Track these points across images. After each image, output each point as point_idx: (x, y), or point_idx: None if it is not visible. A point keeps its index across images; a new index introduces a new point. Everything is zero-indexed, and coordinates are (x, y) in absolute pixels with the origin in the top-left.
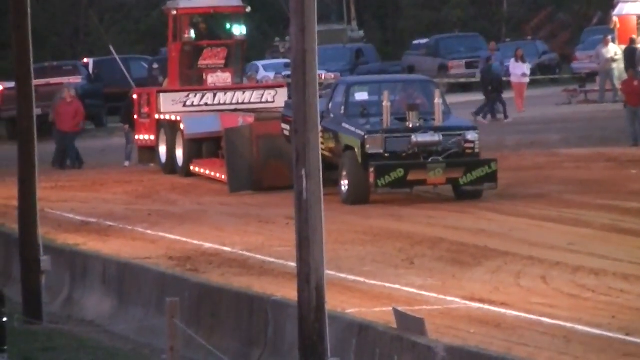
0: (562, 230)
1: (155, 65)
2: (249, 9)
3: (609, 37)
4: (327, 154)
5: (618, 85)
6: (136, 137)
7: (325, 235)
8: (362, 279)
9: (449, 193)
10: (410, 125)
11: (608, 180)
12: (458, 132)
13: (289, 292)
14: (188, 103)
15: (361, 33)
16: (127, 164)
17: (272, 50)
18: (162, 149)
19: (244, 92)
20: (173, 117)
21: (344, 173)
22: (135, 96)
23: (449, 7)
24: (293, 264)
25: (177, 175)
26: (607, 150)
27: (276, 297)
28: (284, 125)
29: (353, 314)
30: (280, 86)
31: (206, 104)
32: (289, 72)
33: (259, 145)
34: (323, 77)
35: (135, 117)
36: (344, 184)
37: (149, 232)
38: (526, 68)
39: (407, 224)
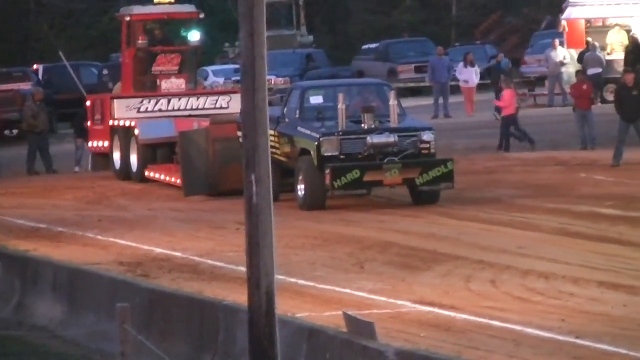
0: (512, 234)
1: (105, 72)
2: (202, 15)
3: (558, 41)
4: (283, 159)
5: (567, 88)
6: (89, 143)
7: (275, 240)
8: (312, 284)
9: (403, 198)
10: (366, 127)
11: (558, 184)
12: (413, 133)
13: (239, 297)
14: (142, 109)
15: (311, 38)
16: (77, 169)
17: (222, 56)
18: (116, 155)
19: (198, 98)
20: (127, 123)
21: (300, 177)
22: (88, 103)
23: (399, 12)
24: (244, 269)
25: (131, 181)
26: (556, 154)
27: (227, 302)
28: (239, 133)
29: (303, 318)
30: (234, 92)
31: (160, 110)
32: (238, 77)
33: (215, 149)
34: (273, 82)
35: (89, 123)
36: (300, 189)
37: (99, 237)
38: (475, 72)
39: (357, 228)
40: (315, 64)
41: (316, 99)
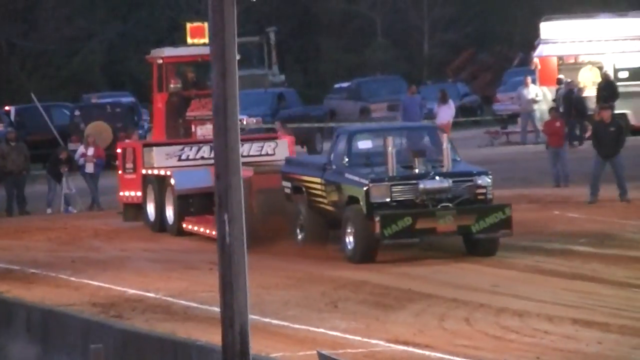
0: (485, 272)
1: (77, 112)
2: (239, 57)
3: (530, 79)
4: (330, 208)
5: (540, 126)
6: (120, 193)
7: (248, 280)
8: (286, 323)
9: None
10: (417, 172)
11: (531, 222)
12: (468, 178)
13: (213, 337)
14: (183, 157)
15: (282, 77)
16: (49, 211)
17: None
18: (150, 206)
19: (242, 145)
20: (162, 172)
21: (348, 227)
22: (118, 150)
23: (370, 50)
24: (217, 309)
25: (167, 234)
26: (529, 192)
27: (200, 342)
28: (284, 183)
29: (277, 358)
30: (277, 137)
31: (202, 158)
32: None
33: (258, 200)
34: (245, 121)
35: (120, 172)
36: (349, 240)
37: (72, 279)
38: (450, 108)
39: (330, 267)
40: (286, 103)
41: (365, 144)
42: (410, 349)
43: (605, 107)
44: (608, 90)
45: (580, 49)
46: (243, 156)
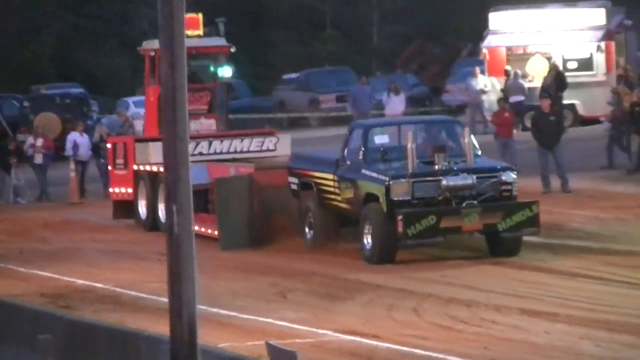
0: (434, 263)
1: (27, 104)
2: (234, 49)
3: (479, 69)
4: (344, 205)
5: (488, 117)
6: (110, 190)
7: (197, 271)
8: (234, 314)
9: None
10: (439, 168)
11: None
12: (493, 174)
13: (162, 327)
14: None
15: (232, 68)
16: None
17: (143, 87)
18: (142, 204)
19: (242, 140)
20: (155, 168)
21: (367, 227)
22: (109, 145)
23: (320, 42)
24: (166, 300)
25: (159, 232)
26: None
27: (149, 333)
28: (291, 179)
29: (226, 348)
30: (272, 133)
31: (201, 153)
32: None
33: (260, 198)
34: None
35: (110, 168)
36: (367, 240)
37: (21, 269)
38: (400, 101)
39: (279, 258)
40: (235, 94)
41: (381, 139)
42: (359, 339)
43: (544, 97)
44: (557, 80)
45: (529, 40)
46: (243, 152)
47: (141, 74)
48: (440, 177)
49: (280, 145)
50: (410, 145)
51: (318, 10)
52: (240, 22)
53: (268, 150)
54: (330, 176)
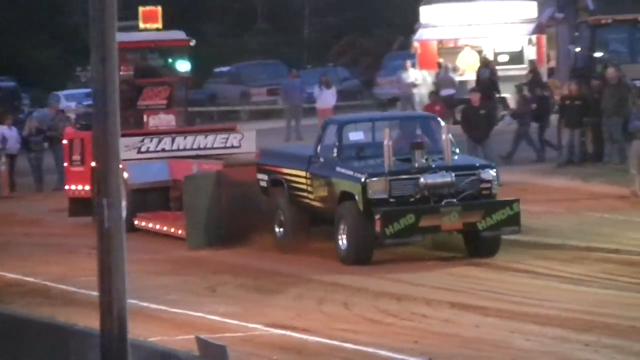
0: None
1: None
2: (194, 42)
3: (410, 62)
4: (317, 203)
5: (419, 110)
6: (66, 187)
7: (127, 264)
8: (164, 308)
9: None
10: (417, 166)
11: None
12: (472, 171)
13: (92, 321)
14: (143, 149)
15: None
16: None
17: (74, 80)
18: None
19: (206, 136)
20: None
21: (342, 226)
22: (64, 141)
23: (251, 35)
24: (96, 294)
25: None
26: None
27: (79, 327)
28: (260, 176)
29: (156, 342)
30: (233, 129)
31: (164, 150)
32: (90, 102)
33: (228, 195)
34: None
35: (65, 164)
36: (342, 239)
37: None
38: (332, 94)
39: (209, 252)
40: None
41: (356, 135)
42: (289, 332)
43: (474, 90)
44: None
45: (460, 33)
46: (207, 148)
47: (72, 68)
48: (419, 175)
49: (244, 142)
50: (387, 141)
51: (249, 3)
52: (172, 15)
53: (232, 147)
54: (303, 173)
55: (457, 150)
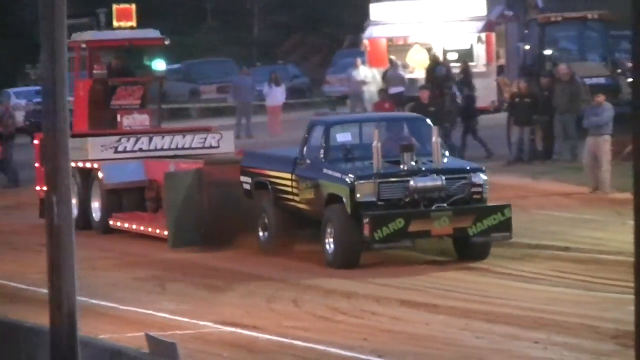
0: (314, 254)
1: None
2: (168, 42)
3: (360, 60)
4: (303, 206)
5: (369, 107)
6: (37, 187)
7: (77, 262)
8: (114, 305)
9: None
10: (406, 168)
11: None
12: (463, 175)
13: (43, 319)
14: (120, 149)
15: None
16: None
17: (24, 78)
18: (73, 202)
19: (184, 136)
20: (87, 165)
21: (329, 229)
22: (36, 141)
23: (201, 32)
24: (46, 291)
25: (93, 232)
26: None
27: (28, 324)
28: (243, 178)
29: (106, 339)
30: (208, 130)
31: (140, 150)
32: (39, 99)
33: (210, 194)
34: None
35: (37, 165)
36: (329, 243)
37: None
38: (281, 92)
39: (159, 249)
40: None
41: (343, 137)
42: (239, 330)
43: (424, 88)
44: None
45: (410, 31)
46: (185, 148)
47: (22, 65)
48: (408, 178)
49: (223, 142)
50: (376, 143)
51: (199, 0)
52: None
53: (211, 147)
54: (288, 175)
55: (447, 153)
